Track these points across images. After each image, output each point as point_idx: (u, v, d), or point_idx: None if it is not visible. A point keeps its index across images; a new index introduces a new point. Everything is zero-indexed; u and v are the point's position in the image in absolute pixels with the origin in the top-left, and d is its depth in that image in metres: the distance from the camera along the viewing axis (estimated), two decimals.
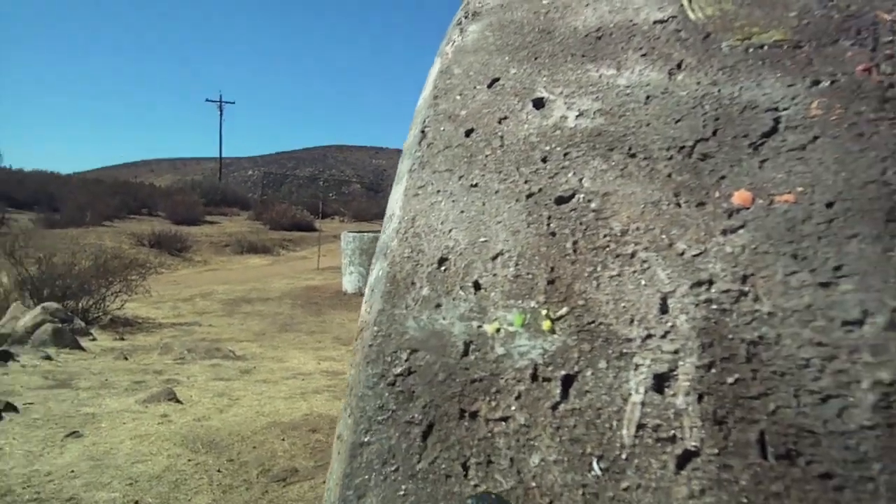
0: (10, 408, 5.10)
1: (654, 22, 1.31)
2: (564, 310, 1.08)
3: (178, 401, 5.65)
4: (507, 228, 1.18)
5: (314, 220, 28.86)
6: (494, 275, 1.15)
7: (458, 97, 1.39)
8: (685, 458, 0.92)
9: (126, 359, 7.83)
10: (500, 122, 1.31)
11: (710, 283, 0.99)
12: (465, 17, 1.55)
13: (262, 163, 46.64)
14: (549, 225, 1.15)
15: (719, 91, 1.15)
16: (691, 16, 1.27)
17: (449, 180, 1.28)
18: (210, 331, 10.65)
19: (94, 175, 36.90)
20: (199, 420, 5.11)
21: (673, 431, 0.94)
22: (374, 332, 1.19)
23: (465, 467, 1.04)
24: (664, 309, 1.01)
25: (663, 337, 0.98)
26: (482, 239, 1.19)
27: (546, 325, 1.07)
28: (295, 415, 5.38)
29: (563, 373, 1.04)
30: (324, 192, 33.83)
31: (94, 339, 9.08)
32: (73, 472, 3.92)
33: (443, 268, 1.20)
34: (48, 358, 7.25)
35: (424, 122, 1.39)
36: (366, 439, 1.11)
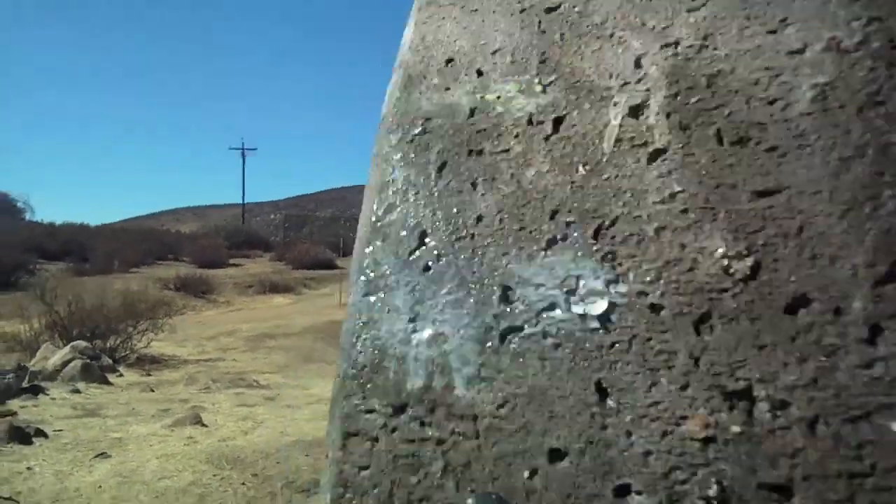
0: (41, 433, 5.20)
1: None
2: (553, 76, 1.30)
3: (203, 424, 5.71)
4: (504, 33, 1.39)
5: (335, 259, 29.17)
6: (494, 63, 1.37)
7: None
8: (655, 155, 1.15)
9: (152, 391, 7.93)
10: None
11: (677, 43, 1.20)
12: None
13: (284, 206, 47.51)
14: (539, 26, 1.36)
15: None
16: None
17: (452, 9, 1.49)
18: (234, 365, 10.75)
19: (121, 225, 37.88)
20: (224, 440, 5.15)
21: (645, 139, 1.17)
22: (394, 113, 1.45)
23: (474, 184, 1.29)
24: (638, 65, 1.23)
25: (637, 82, 1.21)
26: (482, 42, 1.41)
27: (538, 88, 1.31)
28: (318, 434, 5.39)
29: (553, 116, 1.27)
30: (345, 231, 34.21)
31: (121, 376, 9.21)
32: (100, 487, 3.98)
33: (450, 65, 1.43)
34: (77, 391, 7.38)
35: None
36: (390, 178, 1.39)
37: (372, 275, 1.34)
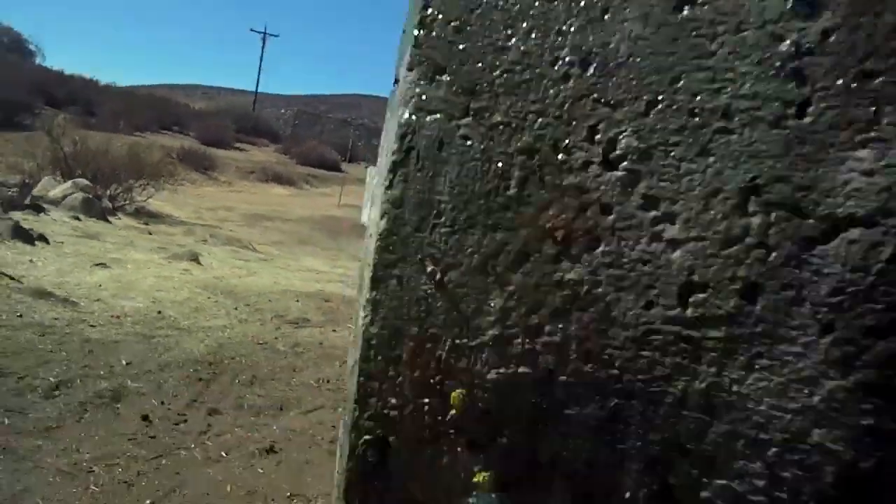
0: (43, 239, 5.33)
1: None
2: None
3: (199, 263, 5.86)
4: None
5: (341, 162, 29.00)
6: None
7: None
8: None
9: (150, 234, 8.07)
10: None
11: None
12: None
13: (297, 102, 46.66)
14: None
15: None
16: None
17: None
18: (231, 233, 10.89)
19: (130, 89, 37.18)
20: (219, 278, 5.31)
21: None
22: None
23: None
24: None
25: None
26: None
27: None
28: (309, 289, 5.57)
29: None
30: (354, 137, 33.78)
31: (119, 219, 9.34)
32: (100, 286, 4.13)
33: None
34: (77, 219, 7.49)
35: None
36: None
37: None
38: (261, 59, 63.47)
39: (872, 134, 0.78)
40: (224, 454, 2.17)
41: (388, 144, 1.23)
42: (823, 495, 0.80)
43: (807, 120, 0.82)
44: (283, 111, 42.31)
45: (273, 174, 24.33)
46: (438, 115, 1.13)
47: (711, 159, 0.88)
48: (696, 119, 0.89)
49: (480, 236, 1.08)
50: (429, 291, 1.14)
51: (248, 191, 21.40)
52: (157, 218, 10.81)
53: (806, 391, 0.81)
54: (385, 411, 1.20)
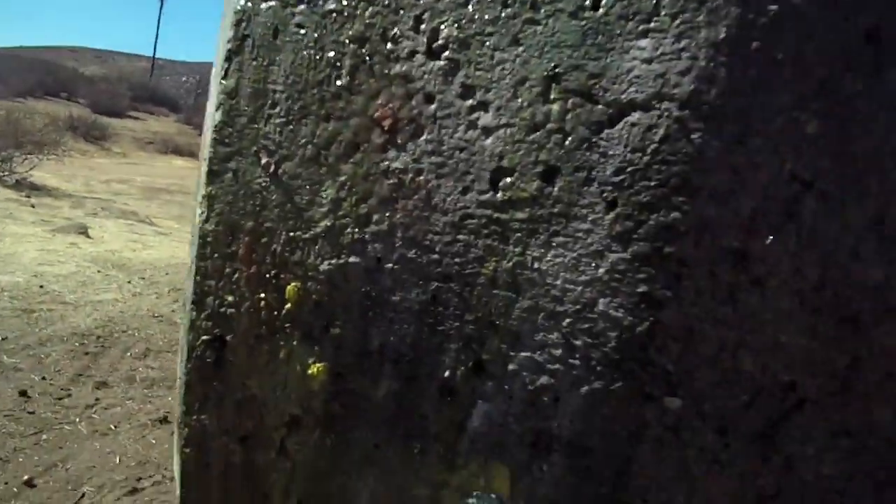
0: None
1: None
2: None
3: (88, 237, 5.51)
4: None
5: None
6: None
7: None
8: None
9: (32, 207, 7.48)
10: None
11: None
12: None
13: (199, 70, 44.14)
14: None
15: None
16: None
17: None
18: (126, 207, 10.27)
19: (12, 52, 33.87)
20: (111, 252, 5.03)
21: None
22: None
23: None
24: None
25: None
26: None
27: None
28: None
29: None
30: None
31: None
32: None
33: None
34: None
35: None
36: None
37: None
38: (158, 20, 59.07)
39: (653, 24, 0.84)
40: (113, 427, 2.10)
41: (223, 34, 1.21)
42: (609, 359, 0.88)
43: (600, 11, 0.87)
44: (184, 79, 40.08)
45: (174, 146, 23.12)
46: (273, 2, 1.12)
47: (521, 49, 0.92)
48: (509, 9, 0.93)
49: (314, 127, 1.09)
50: (263, 184, 1.15)
51: (146, 163, 20.21)
52: (42, 190, 10.01)
53: (593, 264, 0.88)
54: (222, 309, 1.20)
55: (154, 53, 39.03)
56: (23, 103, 22.15)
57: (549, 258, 0.91)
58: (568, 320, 0.90)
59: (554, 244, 0.91)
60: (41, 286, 3.47)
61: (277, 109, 1.11)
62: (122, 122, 24.41)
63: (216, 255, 1.20)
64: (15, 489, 1.69)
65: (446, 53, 0.97)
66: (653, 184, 0.84)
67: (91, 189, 12.08)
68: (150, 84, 32.67)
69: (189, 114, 27.49)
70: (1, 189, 9.03)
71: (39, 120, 16.31)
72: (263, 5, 1.13)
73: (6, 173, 10.26)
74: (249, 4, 1.14)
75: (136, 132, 23.54)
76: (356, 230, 1.05)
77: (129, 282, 4.01)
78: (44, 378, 2.34)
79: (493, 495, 1.03)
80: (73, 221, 6.09)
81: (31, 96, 23.46)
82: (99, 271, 4.14)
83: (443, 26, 0.98)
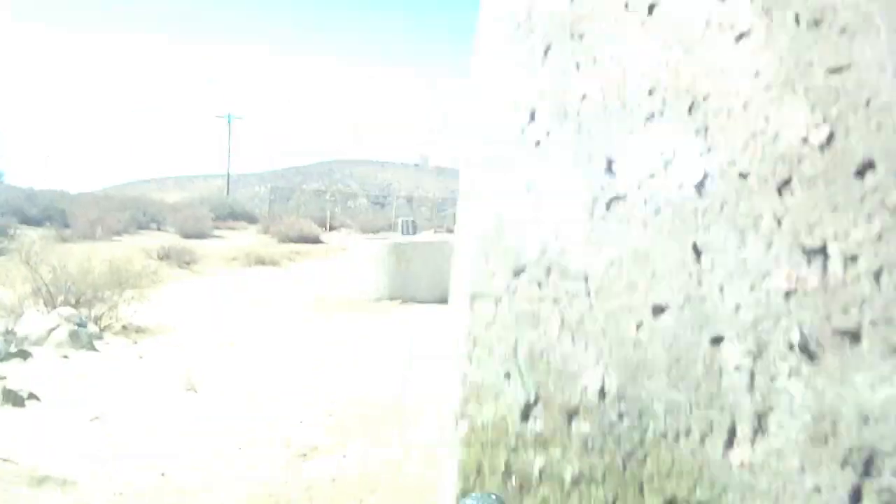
0: (34, 397, 5.09)
1: None
2: None
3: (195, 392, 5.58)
4: None
5: (322, 233, 28.89)
6: None
7: None
8: (740, 36, 1.24)
9: (140, 357, 7.80)
10: None
11: None
12: None
13: (270, 178, 46.78)
14: None
15: None
16: None
17: None
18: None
19: (103, 193, 37.14)
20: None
21: (732, 22, 1.24)
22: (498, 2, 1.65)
23: (577, 65, 1.43)
24: None
25: None
26: None
27: None
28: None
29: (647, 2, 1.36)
30: (331, 206, 33.84)
31: (106, 344, 9.05)
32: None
33: None
34: (65, 357, 7.26)
35: None
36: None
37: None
38: (229, 143, 63.42)
39: None
40: None
41: None
42: None
43: None
44: (257, 189, 42.44)
45: (256, 257, 24.09)
46: None
47: None
48: None
49: None
50: None
51: (235, 278, 21.16)
52: (146, 333, 10.50)
53: None
54: None
55: (228, 170, 41.55)
56: (120, 240, 23.97)
57: None
58: None
59: None
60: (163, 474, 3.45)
61: None
62: (209, 242, 25.89)
63: None
64: None
65: None
66: None
67: (189, 318, 12.57)
68: (227, 201, 34.76)
69: (266, 224, 28.83)
70: (110, 337, 9.55)
71: (137, 258, 17.48)
72: None
73: (113, 320, 10.88)
74: None
75: (221, 250, 24.83)
76: None
77: None
78: None
79: (493, 495, 1.06)
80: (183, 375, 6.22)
81: (126, 233, 25.36)
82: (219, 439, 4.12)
83: None
